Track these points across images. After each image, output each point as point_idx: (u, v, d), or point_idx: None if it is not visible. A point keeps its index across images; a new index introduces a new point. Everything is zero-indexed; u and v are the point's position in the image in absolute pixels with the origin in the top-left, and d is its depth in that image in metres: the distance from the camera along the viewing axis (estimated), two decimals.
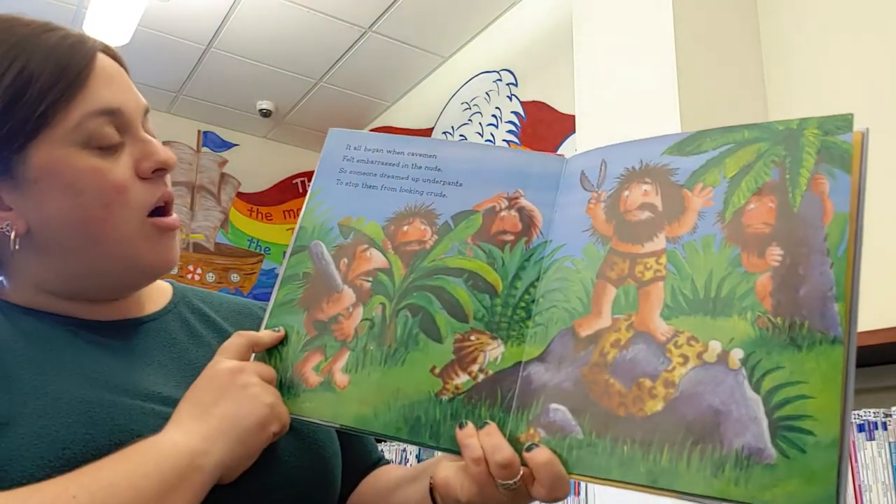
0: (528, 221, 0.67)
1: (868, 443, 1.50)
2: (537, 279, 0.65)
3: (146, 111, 0.69)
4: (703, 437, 0.52)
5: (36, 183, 0.62)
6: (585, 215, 0.64)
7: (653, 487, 0.53)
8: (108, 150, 0.63)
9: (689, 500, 0.52)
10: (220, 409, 0.60)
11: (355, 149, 0.75)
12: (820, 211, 0.54)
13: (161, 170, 0.67)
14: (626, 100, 2.02)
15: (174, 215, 0.69)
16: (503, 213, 0.68)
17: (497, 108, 3.19)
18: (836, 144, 0.54)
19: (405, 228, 0.70)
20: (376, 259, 0.70)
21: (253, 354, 0.67)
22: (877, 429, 1.50)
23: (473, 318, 0.65)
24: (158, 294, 0.78)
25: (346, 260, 0.70)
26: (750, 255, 0.55)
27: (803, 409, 0.50)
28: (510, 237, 0.67)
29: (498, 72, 3.21)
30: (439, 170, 0.71)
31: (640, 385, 0.56)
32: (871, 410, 1.53)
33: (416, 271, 0.68)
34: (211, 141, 4.15)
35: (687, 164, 0.61)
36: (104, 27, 2.93)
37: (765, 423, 0.51)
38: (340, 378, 0.66)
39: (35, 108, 0.60)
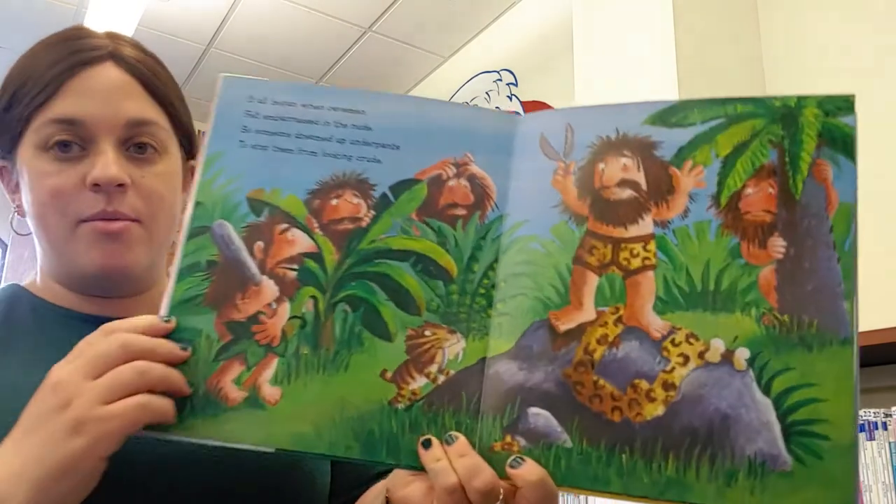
0: (480, 192, 0.58)
1: (868, 443, 1.55)
2: (495, 260, 0.57)
3: (136, 123, 0.68)
4: (712, 443, 0.49)
5: (21, 175, 0.69)
6: (552, 189, 0.57)
7: (659, 500, 0.49)
8: (67, 157, 0.66)
9: None
10: (30, 442, 0.51)
11: (260, 102, 0.60)
12: (824, 200, 0.51)
13: (96, 185, 0.65)
14: (625, 99, 1.94)
15: (120, 223, 0.67)
16: (451, 183, 0.58)
17: (497, 107, 3.09)
18: (837, 127, 0.52)
19: (334, 202, 0.58)
20: (301, 241, 0.57)
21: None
22: (877, 429, 1.55)
23: (426, 310, 0.56)
24: None
25: (261, 243, 0.57)
26: (750, 246, 0.51)
27: (817, 413, 0.48)
28: (462, 211, 0.58)
29: (498, 72, 3.15)
30: (370, 129, 0.59)
31: (635, 387, 0.51)
32: (871, 410, 1.57)
33: (353, 256, 0.57)
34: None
35: (672, 137, 0.55)
36: (104, 27, 2.52)
37: (777, 427, 0.49)
38: (269, 391, 0.54)
39: (24, 111, 0.67)
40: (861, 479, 1.58)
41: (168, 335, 0.55)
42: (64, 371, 0.52)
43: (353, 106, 0.59)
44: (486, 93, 3.28)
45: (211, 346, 0.55)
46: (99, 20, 2.92)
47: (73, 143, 0.66)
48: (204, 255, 0.57)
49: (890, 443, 1.55)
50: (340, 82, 3.70)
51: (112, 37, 0.72)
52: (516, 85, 3.13)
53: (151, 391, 0.52)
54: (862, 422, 1.61)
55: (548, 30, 3.01)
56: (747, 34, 2.25)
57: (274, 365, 0.55)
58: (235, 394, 0.54)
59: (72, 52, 0.67)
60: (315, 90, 0.60)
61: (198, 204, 0.58)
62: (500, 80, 3.20)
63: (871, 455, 1.56)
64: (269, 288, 0.56)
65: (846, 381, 0.48)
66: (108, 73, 0.68)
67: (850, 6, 2.00)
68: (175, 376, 0.53)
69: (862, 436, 1.60)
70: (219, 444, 0.53)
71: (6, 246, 3.82)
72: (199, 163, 0.59)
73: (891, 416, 1.56)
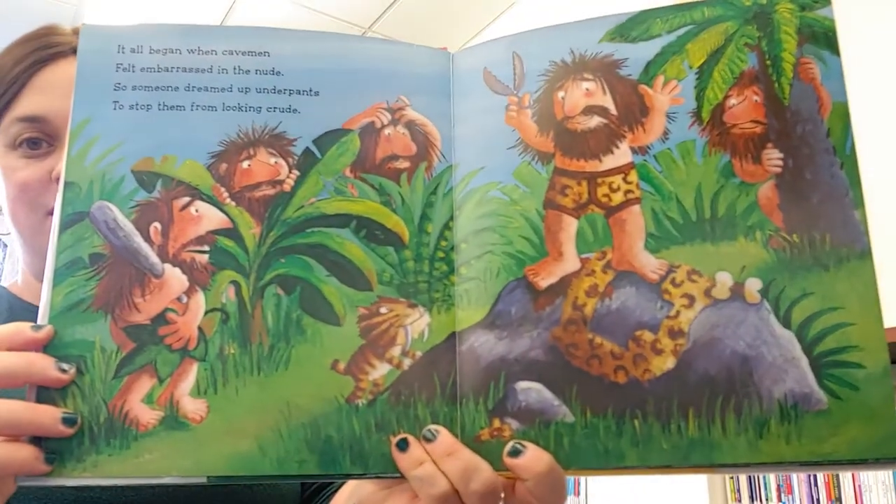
0: (423, 140, 0.49)
1: None
2: (451, 218, 0.48)
3: None
4: (735, 391, 0.42)
5: None
6: (507, 127, 0.48)
7: (684, 467, 0.42)
8: (35, 153, 0.64)
9: (734, 472, 0.42)
10: None
11: (133, 52, 0.48)
12: (815, 102, 0.45)
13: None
14: None
15: None
16: (388, 131, 0.49)
17: None
18: (816, 21, 0.46)
19: (245, 165, 0.47)
20: (209, 216, 0.46)
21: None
22: None
23: (379, 283, 0.46)
24: None
25: (157, 225, 0.45)
26: (743, 162, 0.45)
27: (846, 339, 0.42)
28: (404, 164, 0.48)
29: None
30: (279, 73, 0.49)
31: (638, 340, 0.44)
32: None
33: (278, 227, 0.46)
34: None
35: (637, 52, 0.48)
36: None
37: (805, 362, 0.42)
38: (192, 406, 0.43)
39: None
40: (861, 479, 1.56)
41: (48, 349, 0.42)
42: None
43: (253, 47, 0.49)
44: None
45: (109, 359, 0.43)
46: (98, 21, 2.80)
47: (41, 139, 0.64)
48: (85, 248, 0.44)
49: None
50: None
51: (77, 32, 0.67)
52: None
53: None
54: None
55: None
56: None
57: (193, 372, 0.43)
58: (148, 415, 0.42)
59: (34, 50, 0.67)
60: (202, 31, 0.49)
61: (69, 185, 0.45)
62: None
63: None
64: (176, 278, 0.45)
65: (871, 298, 0.42)
66: (70, 68, 0.64)
67: None
68: (38, 415, 0.41)
69: None
70: (134, 483, 0.41)
71: (6, 246, 3.56)
72: (67, 133, 0.46)
73: None
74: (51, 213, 0.61)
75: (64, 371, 0.42)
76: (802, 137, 0.45)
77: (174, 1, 3.04)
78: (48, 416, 0.41)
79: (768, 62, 0.46)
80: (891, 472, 1.52)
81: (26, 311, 0.67)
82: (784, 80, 0.46)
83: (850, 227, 0.43)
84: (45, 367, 0.42)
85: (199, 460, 0.42)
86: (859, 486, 1.57)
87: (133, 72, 0.48)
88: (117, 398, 0.42)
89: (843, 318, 0.42)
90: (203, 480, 0.42)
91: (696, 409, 0.42)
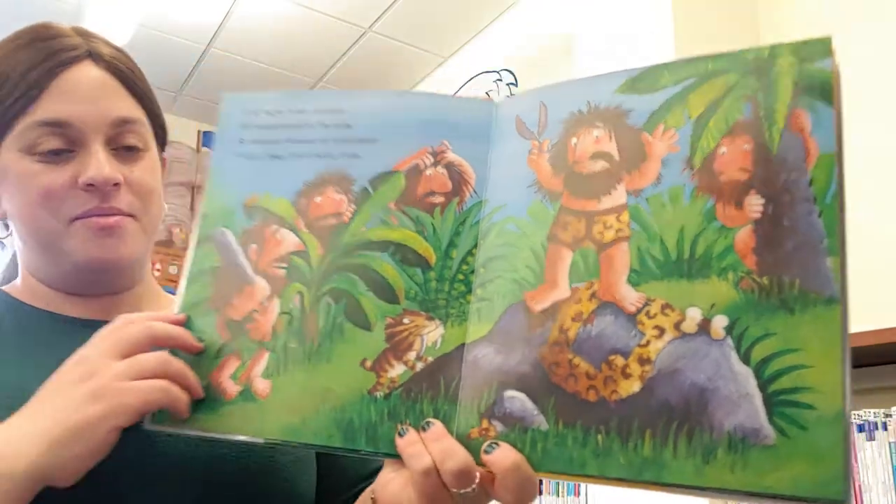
0: (458, 179, 0.58)
1: (868, 443, 1.50)
2: (475, 246, 0.56)
3: (122, 122, 0.69)
4: (689, 419, 0.46)
5: (2, 179, 0.69)
6: (528, 168, 0.56)
7: (636, 481, 0.46)
8: (56, 158, 0.66)
9: (681, 493, 0.46)
10: (49, 406, 0.53)
11: (254, 113, 0.63)
12: (802, 152, 0.47)
13: (91, 185, 0.66)
14: None
15: (115, 217, 0.68)
16: (429, 171, 0.58)
17: None
18: (814, 72, 0.48)
19: (318, 200, 0.59)
20: (288, 240, 0.59)
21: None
22: (877, 429, 1.50)
23: (405, 298, 0.56)
24: (166, 304, 0.77)
25: (255, 246, 0.59)
26: (726, 207, 0.48)
27: (801, 380, 0.44)
28: (440, 199, 0.58)
29: (498, 72, 3.14)
30: (349, 126, 0.60)
31: (610, 364, 0.49)
32: (872, 410, 1.51)
33: (336, 250, 0.58)
34: (211, 141, 3.99)
35: (644, 103, 0.52)
36: (103, 27, 2.87)
37: (758, 398, 0.45)
38: (261, 385, 0.56)
39: (6, 115, 0.67)
40: (861, 479, 1.50)
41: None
42: (89, 350, 0.55)
43: (333, 106, 0.61)
44: (486, 93, 3.22)
45: (214, 344, 0.57)
46: (98, 20, 2.92)
47: (63, 149, 0.66)
48: (209, 262, 0.60)
49: (890, 443, 1.48)
50: (340, 82, 3.62)
51: (83, 34, 0.71)
52: (516, 85, 3.08)
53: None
54: (862, 422, 1.53)
55: (548, 29, 2.94)
56: (746, 37, 2.18)
57: (265, 359, 0.56)
58: (232, 388, 0.56)
59: (50, 54, 0.67)
60: (302, 95, 0.63)
61: (204, 215, 0.61)
62: (500, 80, 3.14)
63: (870, 455, 1.49)
64: (262, 287, 0.58)
65: (833, 344, 0.43)
66: (89, 73, 0.69)
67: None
68: (191, 374, 0.56)
69: (862, 436, 1.52)
70: (218, 438, 0.55)
71: (4, 246, 4.12)
72: (207, 177, 0.63)
73: (891, 416, 1.50)
74: (75, 219, 0.66)
75: (200, 341, 0.57)
76: (785, 185, 0.47)
77: (175, 1, 3.02)
78: (195, 378, 0.56)
79: (761, 112, 0.48)
80: (891, 472, 1.43)
81: (31, 314, 0.71)
82: (775, 130, 0.48)
83: (820, 274, 0.45)
84: (190, 336, 0.57)
85: (261, 427, 0.55)
86: (859, 486, 1.47)
87: (252, 129, 0.62)
88: (215, 373, 0.57)
89: (801, 360, 0.44)
90: (261, 441, 0.55)
91: (653, 431, 0.47)
